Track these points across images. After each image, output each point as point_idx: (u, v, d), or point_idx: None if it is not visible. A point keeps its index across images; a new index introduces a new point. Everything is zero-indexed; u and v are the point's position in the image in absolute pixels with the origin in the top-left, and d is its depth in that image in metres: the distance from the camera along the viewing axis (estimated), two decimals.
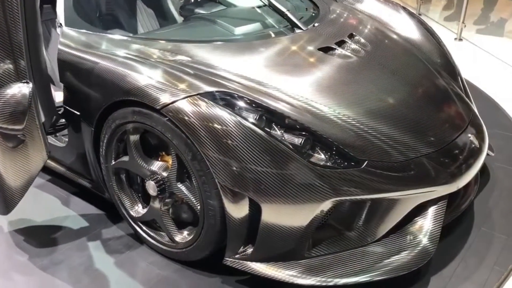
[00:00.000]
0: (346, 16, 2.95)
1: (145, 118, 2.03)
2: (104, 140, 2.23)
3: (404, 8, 3.22)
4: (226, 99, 1.95)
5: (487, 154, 2.76)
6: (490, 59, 4.99)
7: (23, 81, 1.93)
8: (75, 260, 2.28)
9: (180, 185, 2.08)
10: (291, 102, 2.06)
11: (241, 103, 1.95)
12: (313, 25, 2.68)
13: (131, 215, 2.33)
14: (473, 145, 2.32)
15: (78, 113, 2.30)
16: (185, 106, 1.91)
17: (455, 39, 5.51)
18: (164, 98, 1.95)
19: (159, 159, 2.19)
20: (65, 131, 2.46)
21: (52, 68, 2.86)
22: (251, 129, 1.87)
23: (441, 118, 2.37)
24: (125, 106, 2.09)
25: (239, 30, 2.59)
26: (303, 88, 2.17)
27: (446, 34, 5.57)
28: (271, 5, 2.70)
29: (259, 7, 2.84)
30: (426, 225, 2.11)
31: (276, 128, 1.94)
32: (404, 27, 2.99)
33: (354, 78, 2.32)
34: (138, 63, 2.13)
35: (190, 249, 2.14)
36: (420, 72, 2.60)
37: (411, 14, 3.17)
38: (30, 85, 1.94)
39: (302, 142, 1.93)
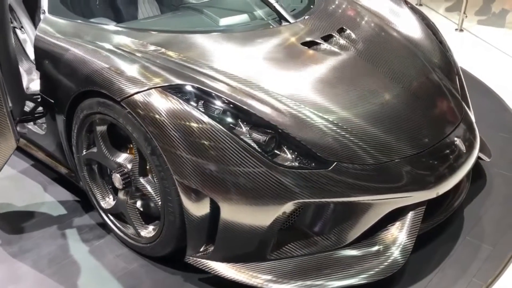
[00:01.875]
0: (341, 9, 2.83)
1: (108, 110, 1.99)
2: (74, 130, 2.21)
3: (407, 2, 3.07)
4: (188, 93, 1.88)
5: (481, 159, 2.63)
6: (491, 50, 4.88)
7: None
8: (44, 249, 2.28)
9: (142, 179, 2.04)
10: (260, 98, 1.98)
11: (204, 97, 1.89)
12: (303, 18, 2.58)
13: (101, 206, 2.30)
14: (458, 150, 2.19)
15: (52, 101, 2.29)
16: (145, 98, 1.86)
17: (456, 29, 5.42)
18: (125, 90, 1.90)
19: (128, 152, 2.16)
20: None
21: None
22: (210, 124, 1.80)
23: (427, 119, 2.23)
24: (92, 96, 2.05)
25: (224, 21, 2.51)
26: (276, 84, 2.08)
27: (447, 24, 5.51)
28: None
29: None
30: (399, 234, 2.00)
31: (241, 125, 1.87)
32: (405, 23, 2.84)
33: (334, 75, 2.22)
34: (108, 52, 2.09)
35: (153, 245, 2.11)
36: (412, 71, 2.46)
37: (413, 9, 3.02)
38: None
39: (267, 140, 1.85)
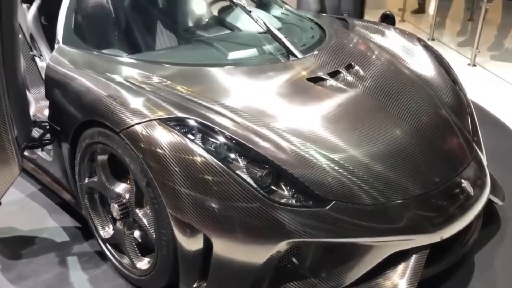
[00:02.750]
0: (352, 45, 2.82)
1: (108, 140, 2.00)
2: (77, 158, 2.23)
3: (420, 40, 3.04)
4: (187, 125, 1.88)
5: (494, 203, 2.53)
6: (505, 85, 4.84)
7: None
8: (42, 276, 2.27)
9: (138, 211, 2.03)
10: (260, 133, 1.96)
11: (203, 130, 1.88)
12: (312, 53, 2.57)
13: (100, 235, 2.30)
14: (467, 192, 2.11)
15: (59, 129, 2.32)
16: (142, 130, 1.86)
17: (469, 64, 5.40)
18: (124, 121, 1.91)
19: (127, 182, 2.15)
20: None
21: None
22: (206, 157, 1.79)
23: (435, 159, 2.17)
24: (94, 126, 2.07)
25: (232, 55, 2.53)
26: (278, 119, 2.06)
27: (460, 59, 5.52)
28: (268, 31, 2.62)
29: (262, 32, 2.76)
30: (399, 281, 1.92)
31: (239, 159, 1.85)
32: (417, 61, 2.81)
33: (339, 112, 2.19)
34: (113, 83, 2.12)
35: (148, 277, 2.08)
36: (421, 109, 2.41)
37: (426, 46, 2.98)
38: None
39: (263, 175, 1.82)
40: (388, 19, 3.55)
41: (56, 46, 2.52)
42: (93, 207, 2.31)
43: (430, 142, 2.23)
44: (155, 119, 1.89)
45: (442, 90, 2.65)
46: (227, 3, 2.98)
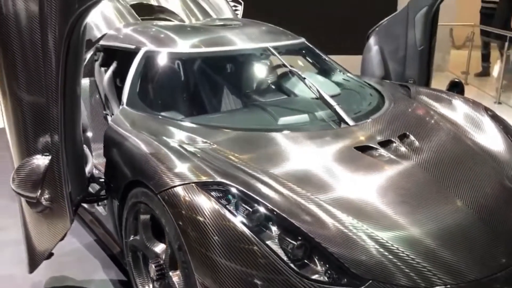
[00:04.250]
0: (410, 114, 2.73)
1: (149, 200, 2.06)
2: (124, 215, 2.30)
3: (487, 109, 2.87)
4: (222, 191, 1.89)
5: None
6: None
7: (45, 153, 2.10)
8: None
9: (172, 273, 2.03)
10: (298, 202, 1.92)
11: (237, 198, 1.87)
12: (365, 121, 2.52)
13: None
14: None
15: (112, 186, 2.43)
16: (179, 193, 1.90)
17: None
18: (163, 183, 1.96)
19: (165, 243, 2.18)
20: None
21: None
22: (236, 225, 1.77)
23: (495, 240, 1.98)
24: (139, 186, 2.15)
25: (283, 120, 2.54)
26: (317, 189, 2.01)
27: None
28: (321, 97, 2.62)
29: (316, 98, 2.76)
30: None
31: (272, 228, 1.81)
32: (483, 132, 2.64)
33: (385, 185, 2.09)
34: (162, 145, 2.19)
35: None
36: (484, 185, 2.23)
37: (494, 117, 2.80)
38: (49, 157, 2.10)
39: (295, 247, 1.76)
40: (456, 87, 3.40)
41: (120, 107, 2.69)
42: (136, 265, 2.35)
43: (489, 221, 2.04)
44: (193, 183, 1.92)
45: (510, 164, 2.45)
46: (286, 69, 3.03)
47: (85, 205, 2.91)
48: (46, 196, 2.15)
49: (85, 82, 3.22)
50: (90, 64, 3.26)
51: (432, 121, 2.67)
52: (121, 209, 2.34)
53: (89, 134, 3.03)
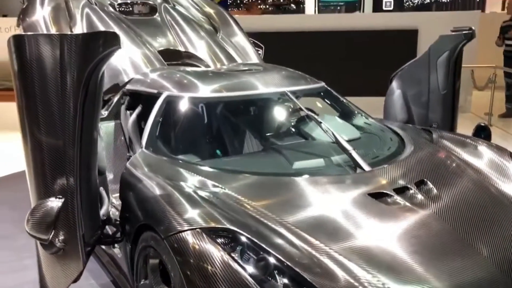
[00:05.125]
0: (429, 160, 2.66)
1: (157, 245, 2.05)
2: (135, 259, 2.30)
3: None
4: (230, 239, 1.87)
5: None
6: None
7: (59, 196, 2.15)
8: None
9: None
10: (309, 253, 1.86)
11: (246, 246, 1.85)
12: (382, 167, 2.47)
13: None
14: None
15: (126, 229, 2.45)
16: (185, 239, 1.89)
17: None
18: (171, 228, 1.95)
19: None
20: None
21: None
22: (241, 276, 1.74)
23: None
24: (150, 230, 2.15)
25: (298, 165, 2.52)
26: (328, 238, 1.95)
27: None
28: (337, 142, 2.59)
29: (334, 143, 2.74)
30: None
31: (277, 277, 1.77)
32: (509, 181, 2.53)
33: (397, 233, 2.01)
34: (174, 189, 2.20)
35: None
36: (508, 236, 2.12)
37: None
38: (62, 200, 2.14)
39: None
40: (483, 132, 3.30)
41: (139, 150, 2.74)
42: None
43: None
44: (199, 228, 1.91)
45: None
46: (304, 113, 3.04)
47: (103, 246, 2.93)
48: (60, 237, 2.18)
49: (110, 124, 3.32)
50: (117, 107, 3.36)
51: (453, 168, 2.59)
52: (133, 252, 2.34)
53: (110, 176, 3.09)
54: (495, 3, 15.93)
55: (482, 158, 2.73)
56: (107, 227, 2.59)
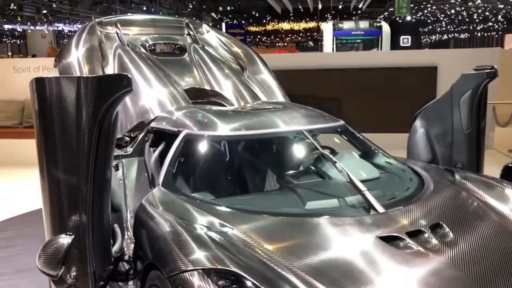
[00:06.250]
0: (448, 202, 2.56)
1: (162, 285, 2.05)
2: None
3: None
4: (232, 281, 1.85)
5: None
6: None
7: (69, 233, 2.20)
8: None
9: None
10: None
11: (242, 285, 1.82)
12: (397, 208, 2.40)
13: None
14: None
15: (138, 266, 2.46)
16: (186, 279, 1.88)
17: None
18: (174, 268, 1.95)
19: None
20: None
21: None
22: None
23: None
24: (156, 268, 2.15)
25: (310, 205, 2.49)
26: (334, 282, 1.90)
27: None
28: (351, 182, 2.55)
29: (349, 182, 2.69)
30: None
31: None
32: None
33: (408, 281, 1.92)
34: (183, 229, 2.20)
35: None
36: None
37: None
38: (72, 237, 2.19)
39: None
40: (511, 173, 3.17)
41: (156, 188, 2.78)
42: None
43: None
44: (202, 269, 1.90)
45: None
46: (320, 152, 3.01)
47: (120, 283, 2.95)
48: (72, 274, 2.22)
49: (135, 161, 3.39)
50: (141, 144, 3.45)
51: (474, 211, 2.48)
52: None
53: (127, 214, 3.13)
54: None
55: (508, 202, 2.59)
56: (122, 263, 2.62)
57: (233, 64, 4.28)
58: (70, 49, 3.85)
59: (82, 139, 2.18)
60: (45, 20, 24.79)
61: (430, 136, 3.46)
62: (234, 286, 1.85)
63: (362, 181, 2.58)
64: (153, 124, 3.40)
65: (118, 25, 3.99)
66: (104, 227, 2.37)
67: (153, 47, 4.14)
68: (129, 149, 3.34)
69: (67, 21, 27.37)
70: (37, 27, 25.42)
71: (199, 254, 1.99)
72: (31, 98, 2.28)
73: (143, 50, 4.00)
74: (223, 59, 4.24)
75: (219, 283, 1.84)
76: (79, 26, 27.93)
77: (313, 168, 3.07)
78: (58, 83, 2.16)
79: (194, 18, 18.56)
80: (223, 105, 3.88)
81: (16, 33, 30.51)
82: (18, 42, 33.23)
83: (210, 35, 4.46)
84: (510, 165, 3.24)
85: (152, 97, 3.59)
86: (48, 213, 2.29)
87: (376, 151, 3.25)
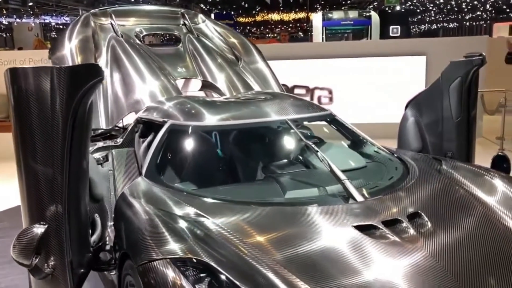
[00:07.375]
0: (430, 191, 2.49)
1: (133, 274, 2.01)
2: (122, 286, 2.25)
3: None
4: (200, 270, 1.81)
5: None
6: None
7: (42, 222, 2.13)
8: None
9: None
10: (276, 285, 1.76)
11: (214, 279, 1.79)
12: (376, 197, 2.33)
13: None
14: None
15: (117, 256, 2.40)
16: (153, 268, 1.85)
17: None
18: (143, 256, 1.92)
19: None
20: None
21: None
22: None
23: None
24: (129, 258, 2.10)
25: (290, 194, 2.44)
26: (306, 271, 1.83)
27: None
28: (331, 171, 2.47)
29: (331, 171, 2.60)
30: None
31: None
32: None
33: (380, 271, 1.85)
34: (158, 219, 2.16)
35: None
36: None
37: None
38: (45, 227, 2.12)
39: None
40: (501, 162, 3.10)
41: (138, 178, 2.70)
42: None
43: None
44: (169, 258, 1.86)
45: None
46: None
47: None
48: (50, 263, 2.17)
49: (124, 151, 3.30)
50: (131, 135, 3.36)
51: (457, 202, 2.40)
52: (120, 279, 2.30)
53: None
54: (502, 28, 15.82)
55: (494, 192, 2.51)
56: (104, 253, 2.56)
57: (228, 54, 4.25)
58: (64, 40, 3.79)
59: (56, 129, 2.13)
60: (31, 12, 24.45)
61: (420, 125, 3.40)
62: (202, 275, 1.81)
63: (347, 171, 2.53)
64: (142, 114, 3.32)
65: (113, 16, 3.95)
66: (82, 217, 2.31)
67: (143, 39, 4.07)
68: (119, 140, 3.26)
69: (54, 14, 27.00)
70: (24, 20, 25.06)
71: (172, 244, 1.95)
72: (6, 88, 2.22)
73: (137, 41, 3.94)
74: (218, 49, 4.21)
75: (186, 273, 1.80)
76: (66, 18, 27.59)
77: (298, 158, 3.00)
78: (33, 74, 2.11)
79: None
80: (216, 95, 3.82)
81: (1, 26, 30.08)
82: (4, 36, 32.72)
83: (206, 26, 4.42)
84: (501, 154, 3.19)
85: (144, 88, 3.55)
86: (25, 203, 2.24)
87: (364, 140, 3.19)
